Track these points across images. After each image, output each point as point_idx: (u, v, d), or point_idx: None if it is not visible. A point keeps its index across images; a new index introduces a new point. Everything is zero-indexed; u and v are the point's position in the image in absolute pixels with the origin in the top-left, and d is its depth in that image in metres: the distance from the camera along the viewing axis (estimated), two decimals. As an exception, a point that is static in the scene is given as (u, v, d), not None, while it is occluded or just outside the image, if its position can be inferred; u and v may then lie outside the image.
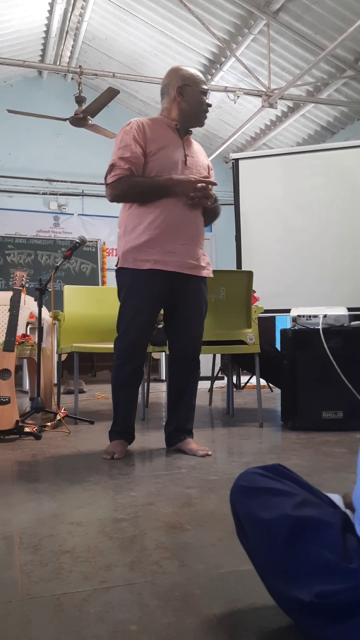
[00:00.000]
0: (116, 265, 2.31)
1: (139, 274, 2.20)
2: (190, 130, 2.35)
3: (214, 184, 2.26)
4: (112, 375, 2.31)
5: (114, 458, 2.17)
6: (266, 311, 3.57)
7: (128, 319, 2.23)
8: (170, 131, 2.27)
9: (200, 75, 2.34)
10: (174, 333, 2.34)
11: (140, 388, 2.39)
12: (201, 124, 2.34)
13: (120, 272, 2.28)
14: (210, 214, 2.38)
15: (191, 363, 2.34)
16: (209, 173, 2.38)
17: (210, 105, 2.33)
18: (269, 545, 0.82)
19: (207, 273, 2.35)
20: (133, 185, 2.18)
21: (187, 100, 2.26)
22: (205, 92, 2.30)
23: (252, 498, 0.89)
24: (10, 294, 3.00)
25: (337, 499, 0.91)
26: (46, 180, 7.41)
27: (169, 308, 2.33)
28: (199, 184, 2.19)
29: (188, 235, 2.23)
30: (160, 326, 2.62)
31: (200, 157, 2.36)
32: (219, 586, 1.06)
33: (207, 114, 2.34)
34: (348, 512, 0.86)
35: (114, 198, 2.23)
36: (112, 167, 2.19)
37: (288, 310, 3.16)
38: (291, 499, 0.85)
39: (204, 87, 2.31)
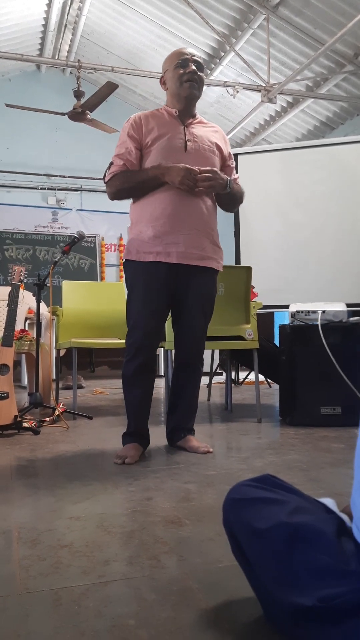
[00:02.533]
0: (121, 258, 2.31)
1: (142, 266, 2.16)
2: (196, 114, 2.28)
3: (199, 172, 2.10)
4: (122, 374, 2.23)
5: (125, 463, 2.03)
6: (265, 307, 3.57)
7: (134, 314, 2.18)
8: (171, 119, 2.22)
9: (181, 49, 2.24)
10: (177, 328, 2.29)
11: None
12: (188, 96, 2.19)
13: (125, 264, 2.26)
14: (226, 200, 2.28)
15: (192, 360, 2.29)
16: (222, 156, 2.28)
17: (191, 71, 2.17)
18: (267, 555, 0.82)
19: (217, 265, 2.26)
20: (125, 180, 2.17)
21: (169, 85, 2.24)
22: (182, 64, 2.18)
23: (245, 509, 0.90)
24: (8, 289, 2.99)
25: (330, 503, 0.92)
26: (44, 175, 7.39)
27: (175, 302, 2.25)
28: (192, 172, 2.08)
29: (192, 225, 2.16)
30: None
31: (208, 141, 2.23)
32: (217, 580, 1.06)
33: (194, 81, 2.18)
34: (345, 517, 0.86)
35: (112, 196, 2.23)
36: (109, 165, 2.21)
37: (287, 306, 3.16)
38: (285, 507, 0.86)
39: (181, 59, 2.19)
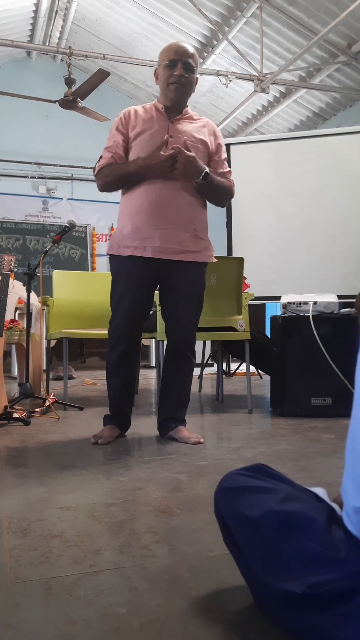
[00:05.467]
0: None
1: (121, 260, 2.24)
2: (185, 110, 2.28)
3: (179, 153, 2.09)
4: (105, 362, 2.35)
5: (98, 443, 2.19)
6: (256, 298, 3.57)
7: (114, 305, 2.27)
8: (158, 115, 2.25)
9: (174, 45, 2.22)
10: (167, 320, 2.33)
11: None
12: (174, 98, 2.21)
13: (109, 258, 2.34)
14: (209, 191, 2.27)
15: (181, 351, 2.30)
16: (207, 151, 2.27)
17: (178, 75, 2.17)
18: (258, 543, 0.83)
19: (200, 257, 2.27)
20: (111, 173, 2.24)
21: (159, 81, 2.27)
22: (171, 64, 2.18)
23: (237, 498, 0.90)
24: (-2, 278, 2.96)
25: (321, 492, 0.92)
26: (35, 163, 7.31)
27: (160, 295, 2.33)
28: (169, 156, 2.09)
29: (168, 220, 2.18)
30: (151, 312, 2.60)
31: (192, 137, 2.23)
32: (207, 569, 1.06)
33: (180, 84, 2.18)
34: (335, 506, 0.87)
35: (100, 187, 2.31)
36: (99, 158, 2.27)
37: (278, 298, 3.17)
38: (275, 495, 0.86)
39: (170, 59, 2.18)
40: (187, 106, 2.31)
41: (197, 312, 2.31)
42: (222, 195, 2.34)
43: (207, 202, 2.35)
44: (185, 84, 2.21)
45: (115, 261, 2.27)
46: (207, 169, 2.18)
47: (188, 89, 2.24)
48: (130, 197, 2.24)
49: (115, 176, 2.23)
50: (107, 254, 2.33)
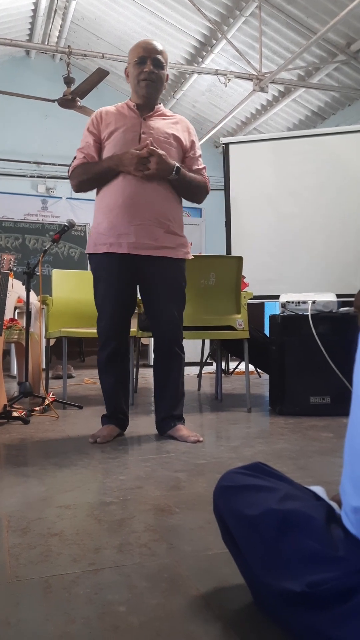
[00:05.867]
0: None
1: (98, 258, 2.26)
2: (157, 107, 2.31)
3: (148, 153, 2.11)
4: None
5: (97, 442, 2.19)
6: (255, 297, 3.57)
7: (99, 306, 2.29)
8: (130, 113, 2.28)
9: (143, 42, 2.25)
10: (150, 317, 2.34)
11: (130, 373, 2.39)
12: (145, 96, 2.24)
13: (88, 257, 2.35)
14: (182, 188, 2.28)
15: (169, 348, 2.30)
16: (181, 146, 2.30)
17: (148, 71, 2.19)
18: (257, 542, 0.83)
19: (176, 254, 2.26)
20: (84, 172, 2.27)
21: (130, 79, 2.30)
22: (141, 61, 2.21)
23: (236, 496, 0.90)
24: (-3, 277, 2.96)
25: (319, 490, 0.92)
26: (34, 162, 7.31)
27: (141, 293, 2.33)
28: (141, 154, 2.11)
29: (143, 216, 2.19)
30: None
31: (165, 133, 2.25)
32: (206, 568, 1.07)
33: (151, 80, 2.21)
34: (334, 505, 0.87)
35: (75, 188, 2.35)
36: (73, 159, 2.32)
37: (277, 297, 3.17)
38: (274, 494, 0.87)
39: (139, 56, 2.21)
40: (159, 103, 2.35)
41: (179, 307, 2.31)
42: (196, 191, 2.35)
43: (183, 198, 2.36)
44: (156, 80, 2.24)
45: (94, 260, 2.29)
46: (177, 164, 2.20)
47: (159, 85, 2.27)
48: (105, 194, 2.26)
49: (90, 174, 2.25)
50: (86, 254, 2.35)
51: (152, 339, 2.41)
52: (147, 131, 2.23)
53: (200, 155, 2.38)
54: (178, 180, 2.22)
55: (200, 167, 2.36)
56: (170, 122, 2.31)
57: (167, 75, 2.32)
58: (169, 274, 2.26)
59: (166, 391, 2.33)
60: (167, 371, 2.32)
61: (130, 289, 2.29)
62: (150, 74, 2.21)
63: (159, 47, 2.25)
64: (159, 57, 2.23)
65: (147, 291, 2.30)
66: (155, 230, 2.22)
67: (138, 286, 2.33)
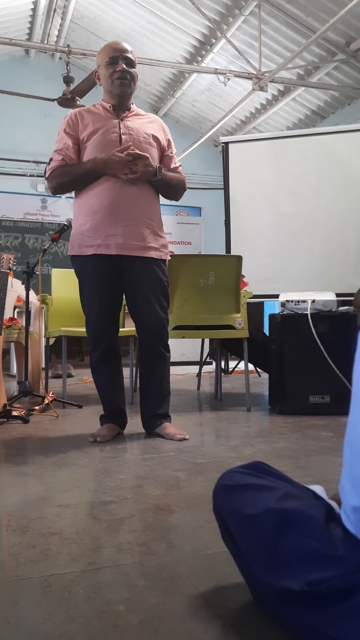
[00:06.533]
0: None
1: (85, 260, 2.25)
2: (131, 107, 2.33)
3: (135, 156, 2.15)
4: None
5: (97, 441, 2.20)
6: (255, 296, 3.57)
7: (85, 307, 2.30)
8: (106, 114, 2.29)
9: (112, 43, 2.28)
10: (135, 318, 2.33)
11: (128, 372, 2.39)
12: (120, 94, 2.26)
13: (71, 259, 2.33)
14: (162, 188, 2.31)
15: (153, 348, 2.30)
16: (159, 146, 2.32)
17: (121, 70, 2.22)
18: (257, 541, 0.83)
19: (158, 255, 2.28)
20: (64, 174, 2.25)
21: (102, 81, 2.31)
22: (113, 61, 2.24)
23: (235, 496, 0.90)
24: (-3, 277, 2.96)
25: (319, 490, 0.93)
26: (33, 162, 7.30)
27: (125, 293, 2.33)
28: (125, 156, 2.13)
29: (130, 216, 2.21)
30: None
31: (144, 133, 2.28)
32: (206, 567, 1.07)
33: (124, 79, 2.24)
34: (333, 504, 0.87)
35: (53, 190, 2.32)
36: (49, 161, 2.29)
37: (277, 296, 3.17)
38: (274, 493, 0.87)
39: (110, 57, 2.24)
40: (132, 103, 2.36)
41: (163, 307, 2.31)
42: (176, 189, 2.38)
43: (162, 197, 2.38)
44: (129, 77, 2.27)
45: (78, 262, 2.28)
46: (158, 165, 2.23)
47: (132, 84, 2.30)
48: (87, 196, 2.25)
49: (72, 176, 2.24)
50: (69, 256, 2.33)
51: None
52: (127, 132, 2.25)
53: (175, 153, 2.43)
54: (160, 181, 2.26)
55: (177, 165, 2.40)
56: (146, 121, 2.34)
57: (137, 75, 2.33)
58: (154, 274, 2.27)
59: (151, 390, 2.34)
60: (151, 370, 2.33)
61: (116, 290, 2.30)
62: (123, 72, 2.24)
63: (128, 47, 2.30)
64: (130, 55, 2.28)
65: (132, 291, 2.29)
66: (142, 231, 2.24)
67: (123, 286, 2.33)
